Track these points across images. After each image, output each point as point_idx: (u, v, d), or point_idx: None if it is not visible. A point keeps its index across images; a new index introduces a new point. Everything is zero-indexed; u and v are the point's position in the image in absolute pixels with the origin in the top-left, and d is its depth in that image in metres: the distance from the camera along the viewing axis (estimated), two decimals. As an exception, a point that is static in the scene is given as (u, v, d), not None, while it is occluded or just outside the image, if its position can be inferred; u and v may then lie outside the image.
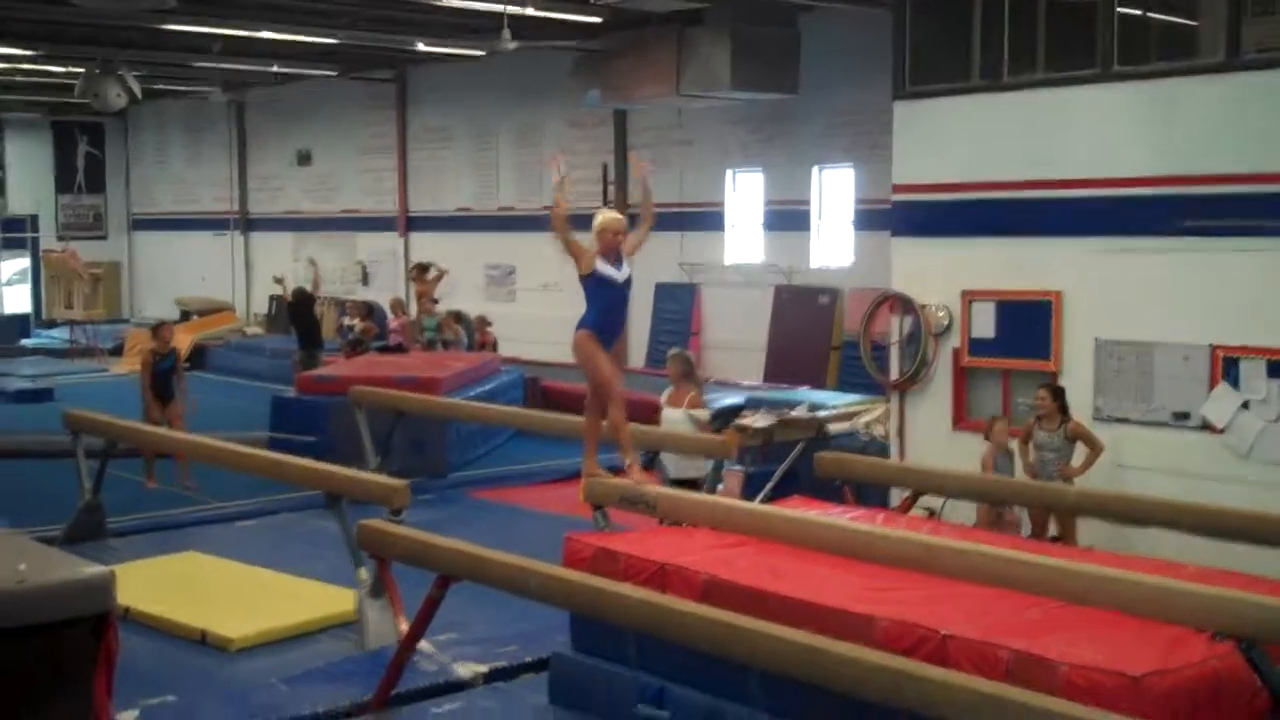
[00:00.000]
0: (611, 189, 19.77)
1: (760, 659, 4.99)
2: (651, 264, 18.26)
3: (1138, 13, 10.52)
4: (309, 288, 17.72)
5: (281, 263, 25.92)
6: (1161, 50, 10.43)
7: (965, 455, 10.43)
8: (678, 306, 18.85)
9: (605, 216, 7.33)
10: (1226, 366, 9.56)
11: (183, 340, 23.02)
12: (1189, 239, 9.76)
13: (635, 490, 7.43)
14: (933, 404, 11.38)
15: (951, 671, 4.59)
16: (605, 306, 7.21)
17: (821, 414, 11.90)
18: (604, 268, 7.16)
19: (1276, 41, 9.59)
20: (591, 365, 7.26)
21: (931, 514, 9.13)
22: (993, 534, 7.90)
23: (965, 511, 9.38)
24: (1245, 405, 9.44)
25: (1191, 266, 9.76)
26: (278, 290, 20.68)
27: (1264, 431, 9.36)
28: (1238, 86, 9.63)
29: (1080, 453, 9.61)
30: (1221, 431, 9.57)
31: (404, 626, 6.78)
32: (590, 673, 6.40)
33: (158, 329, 13.77)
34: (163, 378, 13.03)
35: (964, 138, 11.22)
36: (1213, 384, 9.64)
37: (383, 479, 8.33)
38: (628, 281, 7.28)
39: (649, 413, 10.74)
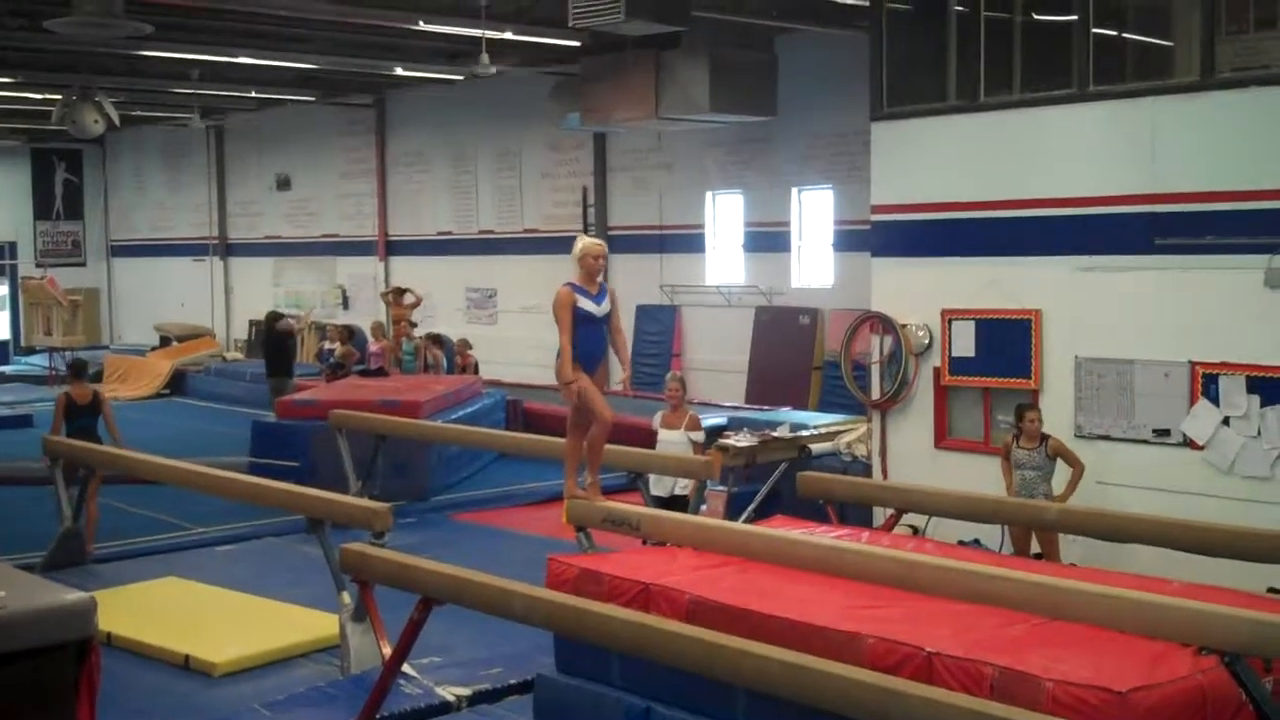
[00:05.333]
0: (591, 211, 19.82)
1: (745, 678, 4.98)
2: (633, 286, 18.33)
3: (1113, 33, 10.60)
4: (294, 319, 17.60)
5: (261, 288, 25.95)
6: (1136, 70, 10.51)
7: (947, 473, 10.46)
8: (659, 328, 18.87)
9: (585, 242, 7.47)
10: (1206, 383, 9.61)
11: (163, 366, 23.08)
12: (1167, 257, 9.81)
13: (619, 511, 7.43)
14: (914, 423, 11.41)
15: (937, 689, 4.59)
16: (582, 337, 7.28)
17: (803, 434, 11.92)
18: (583, 303, 7.26)
19: (1250, 61, 9.66)
20: (584, 394, 7.29)
21: (915, 532, 9.14)
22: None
23: (948, 529, 9.39)
24: (1226, 421, 9.48)
25: (1170, 284, 9.82)
26: (257, 316, 20.64)
27: (1244, 447, 9.40)
28: (1213, 105, 9.70)
29: (1061, 470, 9.63)
30: (1202, 447, 9.61)
31: (387, 650, 6.76)
32: (575, 694, 6.37)
33: (74, 367, 11.56)
34: (82, 436, 10.58)
35: (942, 158, 11.26)
36: (1193, 400, 9.68)
37: (364, 503, 8.32)
38: (606, 316, 7.39)
39: (637, 435, 10.77)
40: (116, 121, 19.62)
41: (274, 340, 17.12)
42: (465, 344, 18.02)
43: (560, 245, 16.37)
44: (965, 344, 11.05)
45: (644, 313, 18.96)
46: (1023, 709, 4.35)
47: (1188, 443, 9.71)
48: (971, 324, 11.01)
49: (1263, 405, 9.33)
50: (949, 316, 11.12)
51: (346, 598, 7.53)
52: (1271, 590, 7.37)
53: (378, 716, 6.50)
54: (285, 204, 26.10)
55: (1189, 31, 10.02)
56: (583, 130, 18.36)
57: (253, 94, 21.86)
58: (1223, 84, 9.64)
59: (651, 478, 10.12)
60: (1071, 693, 4.67)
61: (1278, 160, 9.36)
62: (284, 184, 26.06)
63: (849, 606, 5.76)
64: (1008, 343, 10.71)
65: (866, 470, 11.44)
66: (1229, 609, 5.06)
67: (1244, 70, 9.61)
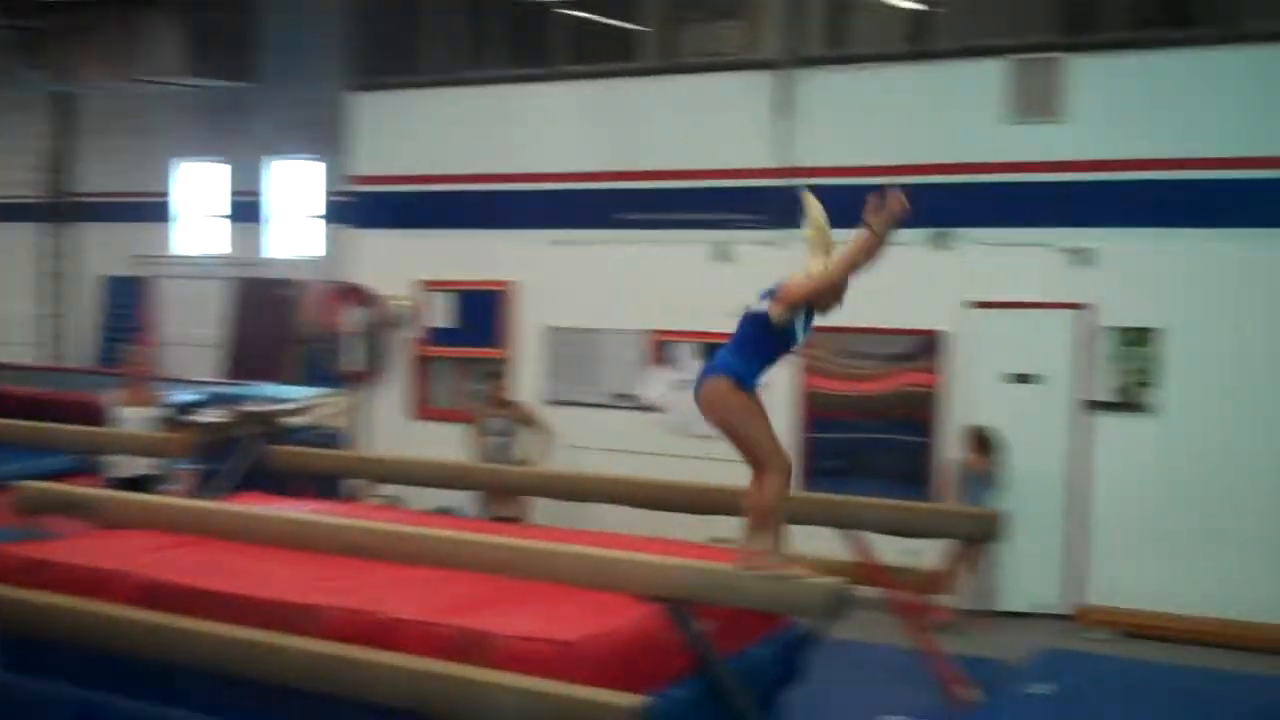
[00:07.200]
0: (60, 178, 18.54)
1: (200, 659, 4.83)
2: (100, 257, 17.33)
3: (586, 15, 11.03)
4: None
5: None
6: (607, 51, 10.98)
7: (426, 442, 10.57)
8: (129, 301, 17.88)
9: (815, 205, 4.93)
10: (662, 350, 10.22)
11: None
12: (629, 231, 10.37)
13: (73, 496, 6.96)
14: (393, 394, 11.45)
15: (393, 653, 4.62)
16: (770, 362, 5.23)
17: (278, 408, 11.65)
18: (799, 322, 5.09)
19: (713, 47, 10.35)
20: (754, 428, 5.30)
21: (394, 501, 9.18)
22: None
23: (429, 497, 9.48)
24: (681, 385, 10.11)
25: (631, 257, 10.38)
26: None
27: (696, 410, 10.05)
28: (676, 87, 10.31)
29: (531, 435, 9.96)
30: (660, 411, 10.22)
31: None
32: (22, 695, 5.93)
33: None
34: None
35: (421, 131, 11.36)
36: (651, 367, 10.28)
37: None
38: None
39: (88, 414, 10.13)
40: None
41: None
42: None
43: (19, 213, 15.05)
44: (444, 315, 11.22)
45: (112, 285, 17.96)
46: (480, 666, 4.46)
47: (648, 406, 10.30)
48: (450, 295, 11.19)
49: (713, 370, 10.01)
50: (429, 288, 11.23)
51: None
52: (715, 540, 7.92)
53: None
54: None
55: (656, 17, 10.58)
56: (49, 90, 17.11)
57: None
58: (686, 68, 10.25)
59: (115, 459, 9.57)
60: (523, 646, 4.84)
61: (728, 141, 10.09)
62: None
63: (313, 579, 5.69)
64: (483, 313, 10.99)
65: (347, 443, 11.36)
66: (668, 559, 5.38)
67: (707, 56, 10.26)
